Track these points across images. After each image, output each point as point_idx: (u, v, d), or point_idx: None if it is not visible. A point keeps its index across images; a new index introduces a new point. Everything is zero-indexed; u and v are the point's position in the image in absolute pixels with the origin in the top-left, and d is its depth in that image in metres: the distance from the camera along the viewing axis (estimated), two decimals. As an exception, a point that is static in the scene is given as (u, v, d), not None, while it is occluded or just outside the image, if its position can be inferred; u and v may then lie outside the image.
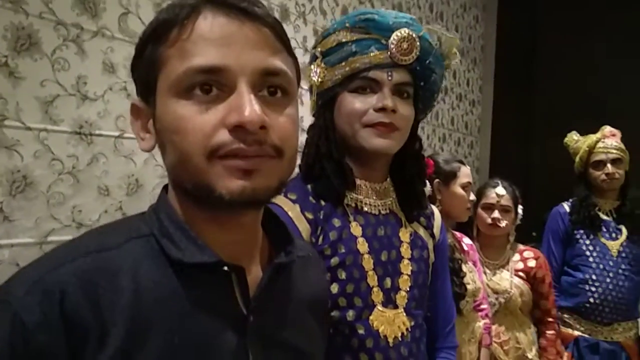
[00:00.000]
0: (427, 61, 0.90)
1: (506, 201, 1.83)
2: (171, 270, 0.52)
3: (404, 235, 0.94)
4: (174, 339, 0.50)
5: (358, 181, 0.91)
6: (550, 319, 1.86)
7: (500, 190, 1.84)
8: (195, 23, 0.50)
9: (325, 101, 0.91)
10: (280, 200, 0.85)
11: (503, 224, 1.82)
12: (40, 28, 1.20)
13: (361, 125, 0.87)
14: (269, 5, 1.88)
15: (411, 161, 0.96)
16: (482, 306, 1.66)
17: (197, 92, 0.49)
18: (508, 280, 1.81)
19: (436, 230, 1.04)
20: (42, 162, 1.22)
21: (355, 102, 0.87)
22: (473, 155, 3.71)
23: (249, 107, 0.48)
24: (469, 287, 1.52)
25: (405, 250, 0.93)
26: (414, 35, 0.87)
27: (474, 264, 1.68)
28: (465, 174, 1.61)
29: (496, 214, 1.83)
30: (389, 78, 0.86)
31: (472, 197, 1.68)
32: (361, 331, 0.85)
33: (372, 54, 0.86)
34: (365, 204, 0.91)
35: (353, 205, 0.90)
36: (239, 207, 0.51)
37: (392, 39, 0.86)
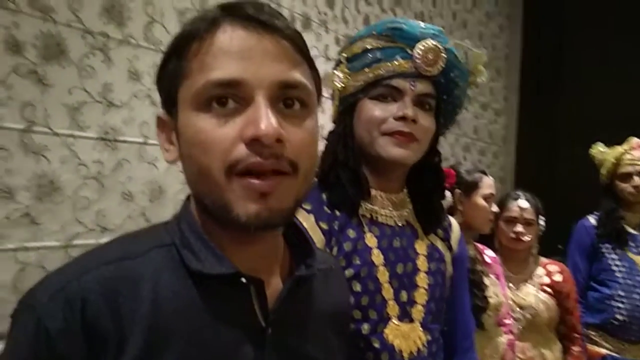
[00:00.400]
0: (452, 74, 0.90)
1: (529, 214, 1.78)
2: (191, 281, 0.52)
3: (421, 247, 0.93)
4: (192, 350, 0.50)
5: (373, 191, 0.91)
6: (576, 335, 1.80)
7: (523, 203, 1.79)
8: (215, 36, 0.50)
9: (346, 107, 0.91)
10: None
11: (526, 238, 1.77)
12: (68, 36, 1.24)
13: (379, 133, 0.86)
14: (290, 13, 1.89)
15: (429, 175, 0.95)
16: (506, 321, 1.62)
17: (215, 105, 0.50)
18: (534, 295, 1.75)
19: (454, 242, 1.02)
20: (69, 167, 1.25)
21: (375, 109, 0.87)
22: (497, 165, 3.65)
23: (265, 120, 0.48)
24: (491, 300, 1.49)
25: (422, 263, 0.91)
26: (440, 47, 0.86)
27: (497, 277, 1.64)
28: (487, 184, 1.59)
29: (519, 227, 1.77)
30: (412, 88, 0.86)
31: (495, 208, 1.65)
32: (376, 345, 0.84)
33: (396, 62, 0.86)
34: (381, 214, 0.90)
35: (368, 215, 0.90)
36: (255, 230, 0.51)
37: (417, 48, 0.86)
